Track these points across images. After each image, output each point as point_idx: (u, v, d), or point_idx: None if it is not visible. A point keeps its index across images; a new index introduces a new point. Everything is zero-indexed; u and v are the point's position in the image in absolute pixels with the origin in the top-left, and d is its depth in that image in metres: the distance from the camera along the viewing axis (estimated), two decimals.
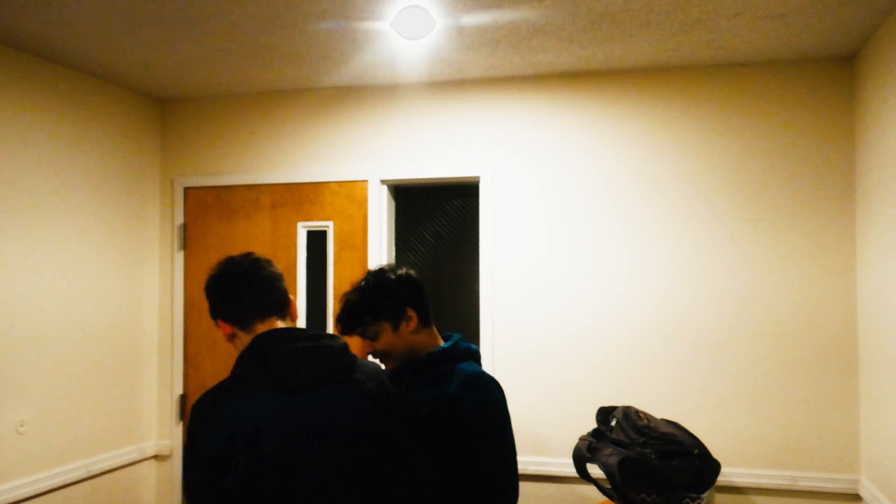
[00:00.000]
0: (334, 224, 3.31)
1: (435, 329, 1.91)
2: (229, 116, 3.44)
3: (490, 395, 1.77)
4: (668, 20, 2.45)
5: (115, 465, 3.17)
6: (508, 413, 1.82)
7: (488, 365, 3.04)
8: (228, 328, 1.67)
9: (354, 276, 3.25)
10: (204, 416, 1.47)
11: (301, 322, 3.32)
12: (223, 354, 3.39)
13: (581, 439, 2.62)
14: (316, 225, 3.34)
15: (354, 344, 1.79)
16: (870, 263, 2.61)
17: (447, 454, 1.69)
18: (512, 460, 1.77)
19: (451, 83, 3.20)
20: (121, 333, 3.23)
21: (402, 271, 1.88)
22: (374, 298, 1.83)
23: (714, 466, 2.51)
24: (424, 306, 1.87)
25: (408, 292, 1.85)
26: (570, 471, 2.63)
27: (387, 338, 1.82)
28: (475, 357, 1.89)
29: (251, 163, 3.41)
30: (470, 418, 1.71)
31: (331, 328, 3.28)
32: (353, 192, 3.29)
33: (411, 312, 1.83)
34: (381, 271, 1.88)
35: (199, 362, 3.43)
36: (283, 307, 1.68)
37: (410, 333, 1.83)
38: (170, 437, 3.43)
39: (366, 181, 3.27)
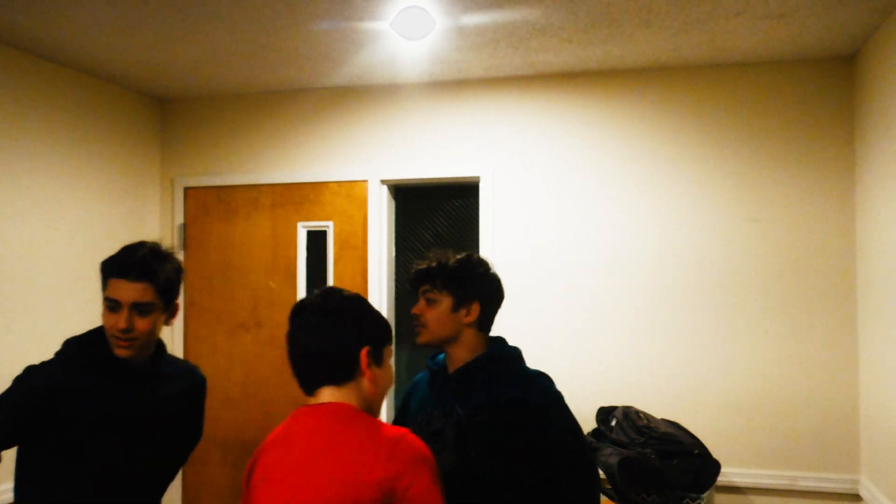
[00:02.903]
0: (334, 224, 3.31)
1: (486, 338, 1.87)
2: (229, 116, 3.44)
3: (549, 391, 1.80)
4: (668, 20, 2.45)
5: None
6: (568, 408, 1.83)
7: None
8: None
9: (354, 276, 3.25)
10: None
11: None
12: (223, 354, 3.39)
13: None
14: (316, 225, 3.34)
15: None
16: (871, 266, 2.61)
17: (515, 455, 1.69)
18: (587, 450, 1.78)
19: (451, 83, 3.20)
20: None
21: (496, 273, 1.88)
22: (458, 270, 1.81)
23: (714, 466, 2.51)
24: (491, 313, 1.86)
25: (488, 290, 1.84)
26: None
27: (441, 311, 1.79)
28: (521, 358, 1.88)
29: (251, 163, 3.41)
30: (537, 415, 1.71)
31: None
32: (353, 192, 3.29)
33: (476, 306, 1.80)
34: (483, 260, 1.88)
35: (198, 362, 3.41)
36: None
37: (463, 324, 1.80)
38: None
39: (366, 181, 3.27)
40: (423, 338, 1.81)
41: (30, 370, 1.73)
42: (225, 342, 3.39)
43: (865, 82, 2.65)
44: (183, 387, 1.90)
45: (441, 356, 1.88)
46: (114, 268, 1.73)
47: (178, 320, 3.43)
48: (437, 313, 1.79)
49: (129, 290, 1.69)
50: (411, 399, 1.95)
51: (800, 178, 2.83)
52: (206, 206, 3.45)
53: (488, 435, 1.69)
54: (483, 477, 1.68)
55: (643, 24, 2.49)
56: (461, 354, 1.81)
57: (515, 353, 1.87)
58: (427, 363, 1.93)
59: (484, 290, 1.83)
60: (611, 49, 2.75)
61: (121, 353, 1.70)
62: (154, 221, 3.47)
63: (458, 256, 1.84)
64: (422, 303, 1.82)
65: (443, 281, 1.79)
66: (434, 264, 1.82)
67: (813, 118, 2.83)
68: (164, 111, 3.53)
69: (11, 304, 2.68)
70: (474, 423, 1.71)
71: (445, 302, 1.79)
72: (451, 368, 1.83)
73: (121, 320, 1.67)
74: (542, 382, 1.81)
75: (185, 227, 3.47)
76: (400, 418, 1.95)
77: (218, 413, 3.38)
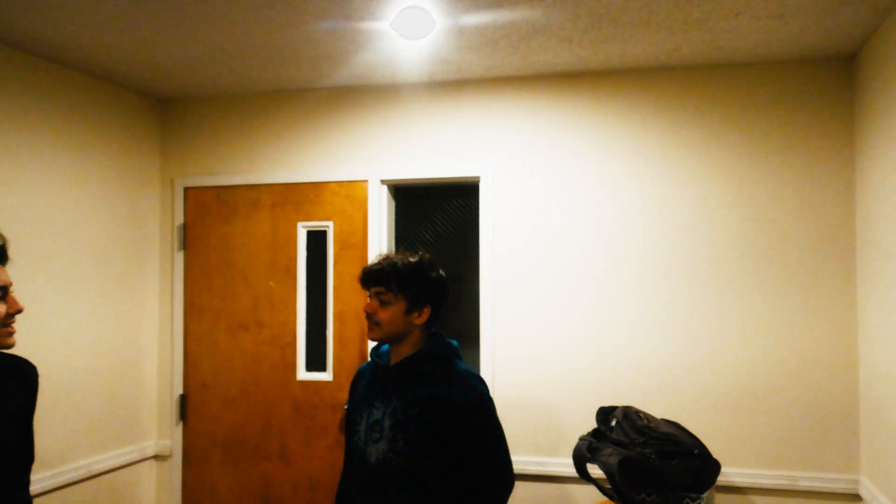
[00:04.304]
0: (334, 224, 3.31)
1: (427, 334, 2.00)
2: (229, 116, 3.44)
3: (476, 390, 1.91)
4: (668, 20, 2.45)
5: (115, 465, 3.17)
6: (494, 407, 1.95)
7: (488, 366, 3.05)
8: None
9: (354, 276, 3.25)
10: None
11: (301, 322, 3.32)
12: (223, 354, 3.39)
13: (581, 439, 2.62)
14: (316, 225, 3.34)
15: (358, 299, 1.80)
16: (871, 265, 2.61)
17: (442, 447, 1.85)
18: (505, 446, 1.91)
19: (451, 83, 3.20)
20: (120, 333, 3.23)
21: (444, 274, 2.00)
22: (413, 275, 1.92)
23: (714, 466, 2.51)
24: (439, 313, 1.99)
25: (439, 294, 1.97)
26: (570, 471, 2.63)
27: (394, 313, 1.91)
28: (457, 354, 2.00)
29: (251, 163, 3.41)
30: (461, 413, 1.85)
31: (330, 328, 3.28)
32: (353, 192, 3.29)
33: (427, 310, 1.94)
34: (434, 262, 1.99)
35: (199, 362, 3.42)
36: None
37: (414, 325, 1.94)
38: (170, 437, 3.43)
39: (366, 181, 3.27)
40: (375, 335, 1.95)
41: None
42: (225, 342, 3.39)
43: (865, 82, 2.65)
44: (17, 380, 1.80)
45: (385, 347, 2.03)
46: None
47: (178, 320, 3.43)
48: (391, 315, 1.92)
49: (6, 274, 1.66)
50: (357, 386, 2.08)
51: (799, 178, 2.84)
52: (206, 206, 3.45)
53: (417, 428, 1.84)
54: (409, 466, 1.83)
55: (643, 24, 2.49)
56: (405, 350, 1.96)
57: (452, 350, 1.99)
58: (371, 356, 2.07)
59: (436, 295, 1.96)
60: (611, 49, 2.75)
61: (11, 340, 1.67)
62: (154, 221, 3.48)
63: (411, 259, 1.94)
64: (374, 302, 1.94)
65: (398, 285, 1.91)
66: (388, 266, 1.92)
67: (813, 118, 2.83)
68: (164, 111, 3.53)
69: None
70: (407, 416, 1.86)
71: (400, 305, 1.92)
72: (394, 361, 1.97)
73: (18, 302, 1.66)
74: (472, 382, 1.92)
75: (185, 227, 3.47)
76: (350, 403, 2.08)
77: (218, 413, 3.38)
